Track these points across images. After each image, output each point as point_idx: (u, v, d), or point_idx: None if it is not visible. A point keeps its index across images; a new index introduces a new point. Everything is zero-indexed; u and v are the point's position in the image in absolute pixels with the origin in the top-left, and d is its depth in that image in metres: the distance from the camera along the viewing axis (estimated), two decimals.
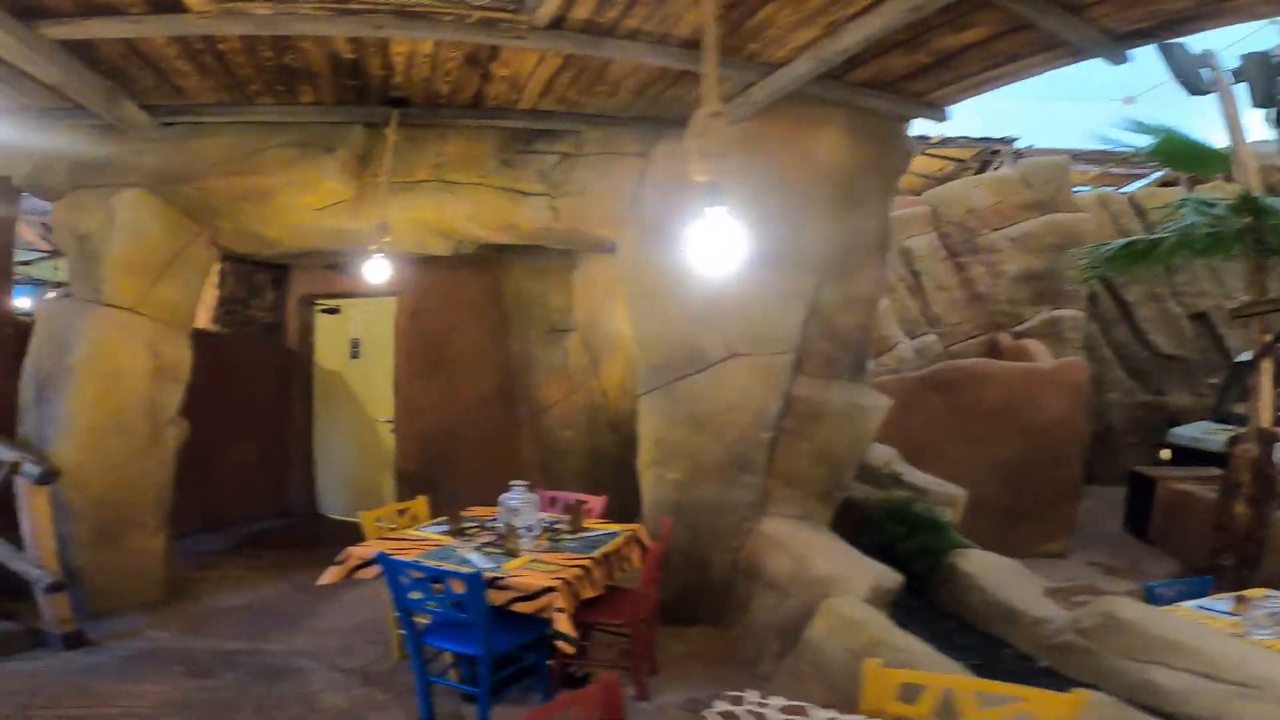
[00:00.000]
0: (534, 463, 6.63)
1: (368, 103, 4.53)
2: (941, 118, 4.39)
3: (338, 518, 7.50)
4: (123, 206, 4.42)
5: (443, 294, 6.78)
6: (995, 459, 7.26)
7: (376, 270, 4.40)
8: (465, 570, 3.36)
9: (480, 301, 6.79)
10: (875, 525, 4.89)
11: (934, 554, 4.74)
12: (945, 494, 5.67)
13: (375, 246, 4.39)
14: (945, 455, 6.82)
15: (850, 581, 3.81)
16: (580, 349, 6.52)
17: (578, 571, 3.51)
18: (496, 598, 3.31)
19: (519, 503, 3.82)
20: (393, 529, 4.31)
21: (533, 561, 3.61)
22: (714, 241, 2.50)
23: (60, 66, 3.45)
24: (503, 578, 3.36)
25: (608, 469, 6.82)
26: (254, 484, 7.11)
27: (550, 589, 3.29)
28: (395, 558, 3.37)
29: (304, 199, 4.75)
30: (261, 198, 4.71)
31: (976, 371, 7.82)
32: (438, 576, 3.25)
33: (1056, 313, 10.24)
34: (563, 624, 3.24)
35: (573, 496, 4.83)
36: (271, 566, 5.84)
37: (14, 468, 3.82)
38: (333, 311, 7.52)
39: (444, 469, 6.87)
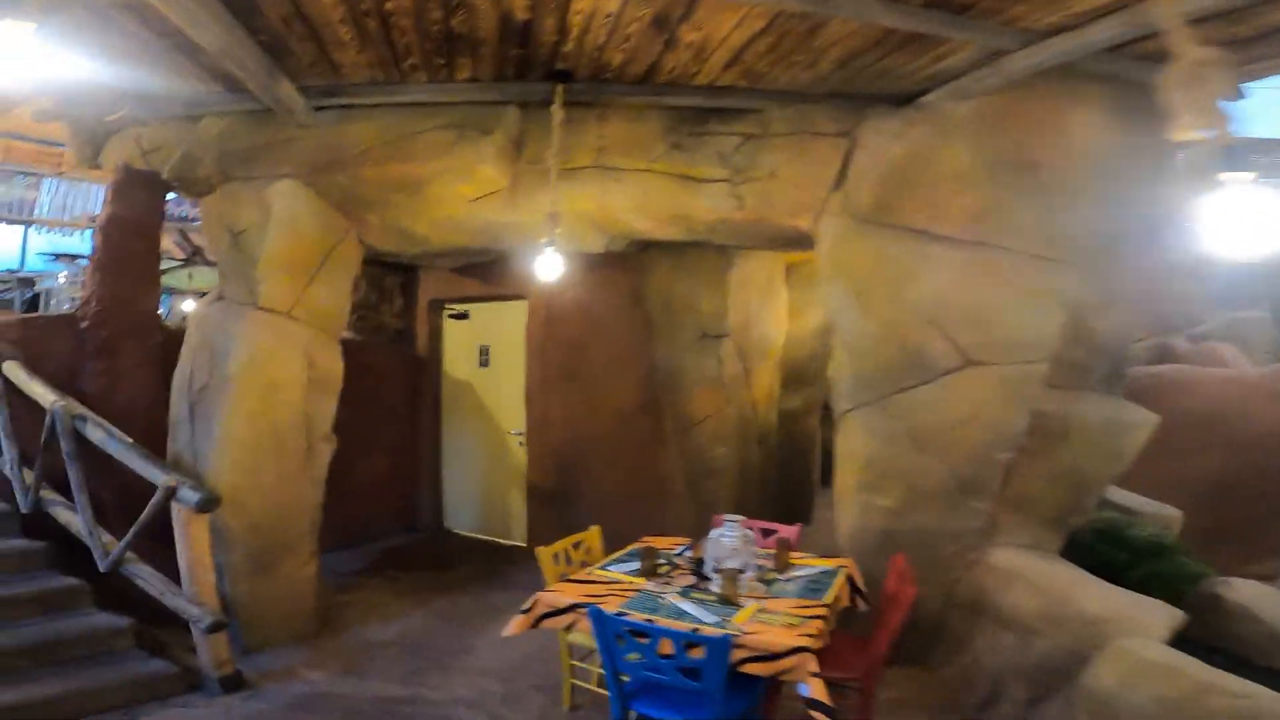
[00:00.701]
0: (679, 481, 6.02)
1: (528, 78, 4.02)
2: (1236, 97, 3.60)
3: (465, 533, 7.12)
4: (279, 198, 4.04)
5: (579, 297, 6.21)
6: (1194, 474, 6.40)
7: (548, 266, 3.88)
8: (683, 627, 2.80)
9: (621, 305, 6.20)
10: (1084, 549, 4.23)
11: (1173, 582, 4.05)
12: (1159, 515, 5.04)
13: (546, 239, 3.87)
14: (1133, 469, 6.00)
15: (1139, 621, 3.26)
16: (734, 357, 5.88)
17: (820, 625, 2.92)
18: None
19: (735, 541, 3.21)
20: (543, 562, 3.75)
21: (759, 612, 3.02)
22: (1237, 217, 1.80)
23: (224, 29, 3.05)
24: (736, 635, 2.77)
25: (753, 487, 6.21)
26: (385, 498, 6.76)
27: (801, 649, 2.70)
28: (610, 612, 2.82)
29: (458, 188, 4.30)
30: (414, 188, 4.28)
31: (1175, 379, 6.88)
32: (669, 637, 2.67)
33: (1239, 314, 9.07)
34: (818, 690, 2.66)
35: (754, 523, 4.22)
36: (410, 591, 5.48)
37: (170, 492, 3.43)
38: (461, 317, 7.12)
39: (579, 486, 6.37)
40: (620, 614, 2.93)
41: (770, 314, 6.27)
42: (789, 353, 6.76)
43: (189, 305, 9.26)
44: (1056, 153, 3.63)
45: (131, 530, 3.56)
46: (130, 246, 4.37)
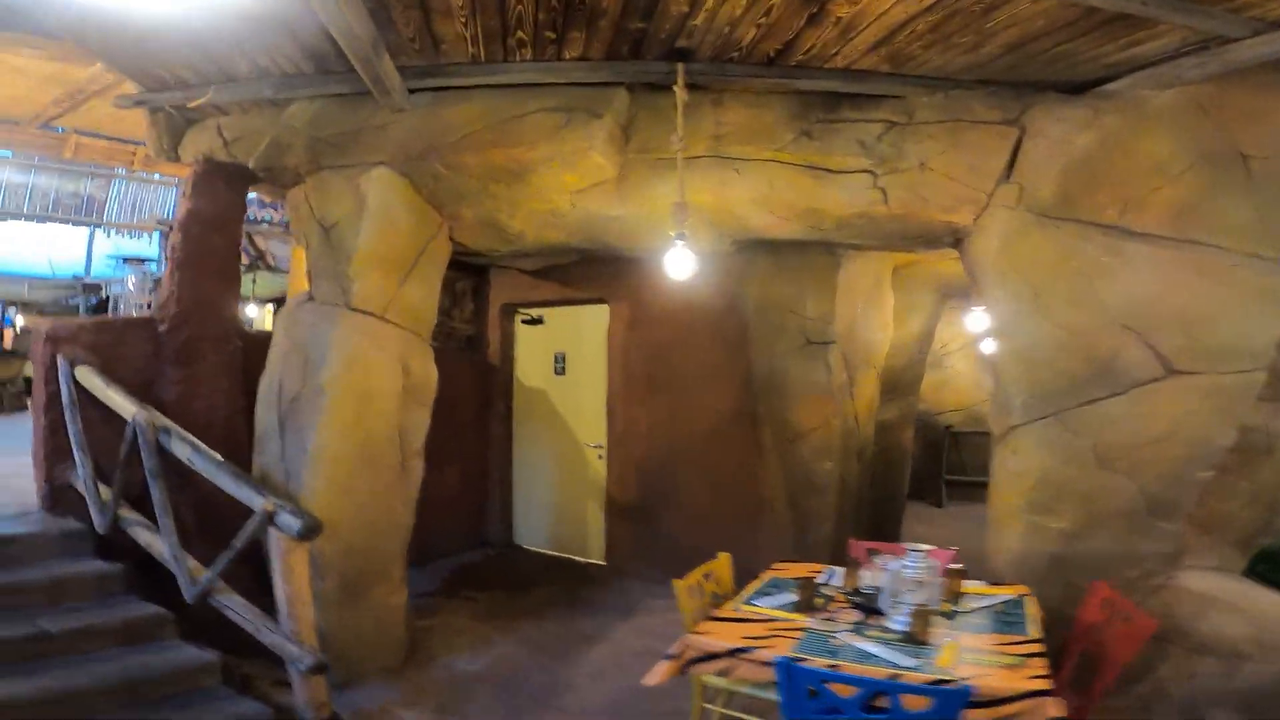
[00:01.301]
0: (778, 497, 5.55)
1: (643, 56, 3.62)
2: None
3: (537, 550, 6.72)
4: (374, 188, 3.68)
5: (666, 300, 5.73)
6: None
7: (679, 262, 3.46)
8: (880, 674, 2.37)
9: (712, 308, 5.73)
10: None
11: None
12: None
13: (676, 232, 3.46)
14: None
15: None
16: (841, 365, 5.41)
17: (1043, 663, 2.49)
18: None
19: (921, 573, 2.75)
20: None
21: (961, 652, 2.57)
22: None
23: None
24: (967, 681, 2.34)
25: (850, 504, 5.74)
26: (454, 513, 6.36)
27: (1039, 693, 2.27)
28: (806, 665, 2.38)
29: (563, 177, 3.91)
30: (515, 176, 3.90)
31: None
32: (887, 691, 2.22)
33: None
34: None
35: (891, 548, 3.79)
36: (489, 615, 5.10)
37: (268, 518, 3.05)
38: (535, 322, 6.74)
39: (664, 502, 5.94)
40: (797, 659, 2.49)
41: (876, 319, 5.81)
42: (887, 361, 6.30)
43: (252, 311, 8.97)
44: (1269, 147, 3.23)
45: (222, 558, 3.19)
46: (211, 243, 4.03)
